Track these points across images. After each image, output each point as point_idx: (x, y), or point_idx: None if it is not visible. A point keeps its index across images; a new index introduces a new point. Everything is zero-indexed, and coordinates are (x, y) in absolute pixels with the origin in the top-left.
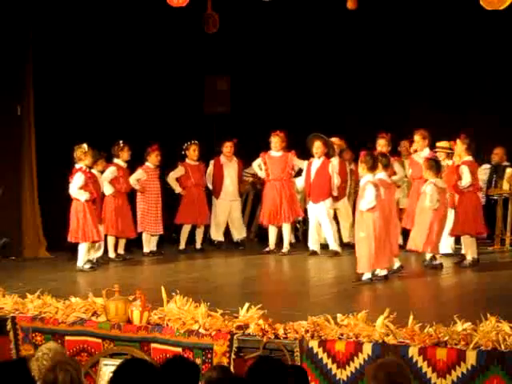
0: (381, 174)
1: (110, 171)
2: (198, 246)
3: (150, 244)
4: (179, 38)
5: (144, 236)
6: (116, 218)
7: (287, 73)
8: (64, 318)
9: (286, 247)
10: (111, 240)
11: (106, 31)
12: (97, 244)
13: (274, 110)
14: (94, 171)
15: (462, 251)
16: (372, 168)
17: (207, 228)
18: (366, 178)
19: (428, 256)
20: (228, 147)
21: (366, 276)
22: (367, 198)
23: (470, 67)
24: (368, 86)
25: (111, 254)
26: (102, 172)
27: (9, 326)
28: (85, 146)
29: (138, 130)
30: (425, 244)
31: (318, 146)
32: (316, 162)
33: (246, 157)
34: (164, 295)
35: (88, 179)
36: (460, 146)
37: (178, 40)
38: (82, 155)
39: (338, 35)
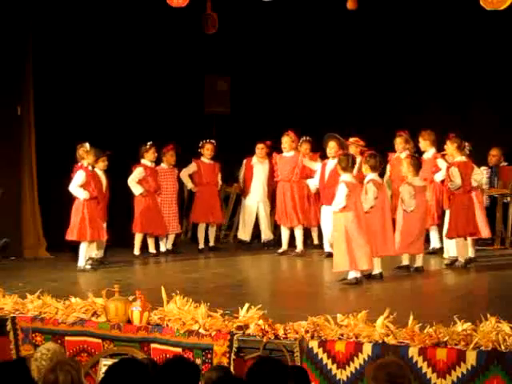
0: (372, 175)
1: (138, 172)
2: (211, 243)
3: (166, 242)
4: (179, 38)
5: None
6: (145, 217)
7: (287, 73)
8: (64, 318)
9: (299, 248)
10: (138, 238)
11: (106, 31)
12: (98, 243)
13: (274, 110)
14: (96, 170)
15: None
16: (346, 168)
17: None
18: (342, 177)
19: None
20: (259, 148)
21: (352, 275)
22: (337, 198)
23: (470, 67)
24: (367, 86)
25: (136, 252)
26: (104, 171)
27: (9, 326)
28: (87, 144)
29: (137, 130)
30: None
31: (332, 147)
32: (330, 163)
33: (245, 157)
34: (164, 295)
35: (89, 177)
36: (450, 146)
37: (177, 40)
38: (84, 154)
39: (338, 35)
